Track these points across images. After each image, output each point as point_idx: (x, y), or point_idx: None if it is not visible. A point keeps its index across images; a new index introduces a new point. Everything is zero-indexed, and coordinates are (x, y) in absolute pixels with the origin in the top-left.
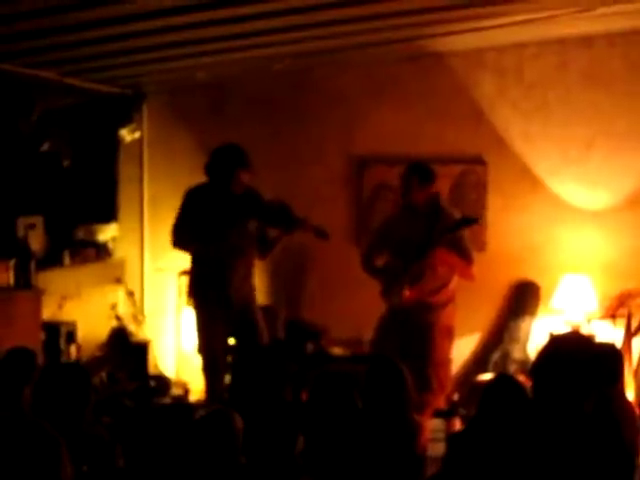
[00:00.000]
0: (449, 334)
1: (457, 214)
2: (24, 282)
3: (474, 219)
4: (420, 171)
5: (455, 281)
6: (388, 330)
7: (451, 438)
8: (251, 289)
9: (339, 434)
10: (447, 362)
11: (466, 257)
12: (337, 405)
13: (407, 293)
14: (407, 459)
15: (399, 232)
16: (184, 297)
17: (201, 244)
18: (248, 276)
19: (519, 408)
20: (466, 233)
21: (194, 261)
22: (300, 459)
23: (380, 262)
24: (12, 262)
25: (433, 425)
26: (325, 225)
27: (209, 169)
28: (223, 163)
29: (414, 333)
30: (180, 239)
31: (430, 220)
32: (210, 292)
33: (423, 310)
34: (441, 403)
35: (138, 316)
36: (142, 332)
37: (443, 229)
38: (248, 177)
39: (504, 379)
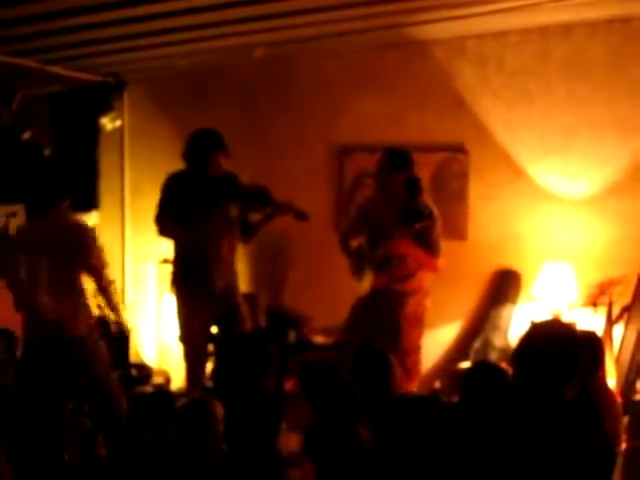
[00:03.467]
0: (418, 322)
1: (430, 202)
2: None
3: (427, 215)
4: (394, 156)
5: (424, 271)
6: (358, 318)
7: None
8: (234, 275)
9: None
10: (415, 350)
11: (431, 250)
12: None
13: (375, 279)
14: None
15: (374, 216)
16: (165, 286)
17: (185, 229)
18: (231, 262)
19: (500, 394)
20: (435, 226)
21: (177, 248)
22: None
23: (354, 244)
24: None
25: None
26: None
27: (186, 155)
28: (199, 147)
29: (382, 321)
30: (164, 227)
31: (403, 207)
32: (193, 279)
33: (391, 298)
34: (413, 390)
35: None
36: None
37: (404, 221)
38: (225, 159)
39: (483, 366)
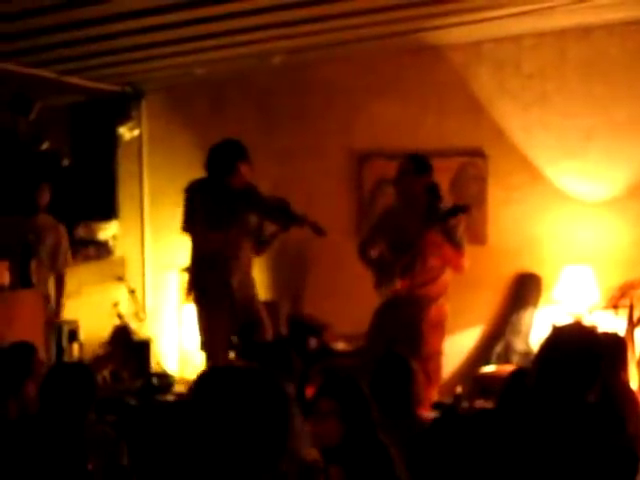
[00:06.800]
0: (439, 327)
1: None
2: (25, 281)
3: (463, 207)
4: (416, 161)
5: (447, 275)
6: (380, 323)
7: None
8: (252, 284)
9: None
10: (437, 355)
11: (457, 247)
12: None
13: (398, 284)
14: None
15: (395, 223)
16: (185, 294)
17: (212, 232)
18: (249, 271)
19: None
20: (461, 224)
21: (194, 257)
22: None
23: (375, 253)
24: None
25: None
26: (326, 220)
27: (210, 165)
28: (224, 157)
29: (403, 327)
30: (194, 231)
31: (426, 211)
32: (212, 287)
33: (412, 304)
34: (434, 396)
35: (140, 314)
36: (144, 330)
37: (434, 218)
38: (248, 170)
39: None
